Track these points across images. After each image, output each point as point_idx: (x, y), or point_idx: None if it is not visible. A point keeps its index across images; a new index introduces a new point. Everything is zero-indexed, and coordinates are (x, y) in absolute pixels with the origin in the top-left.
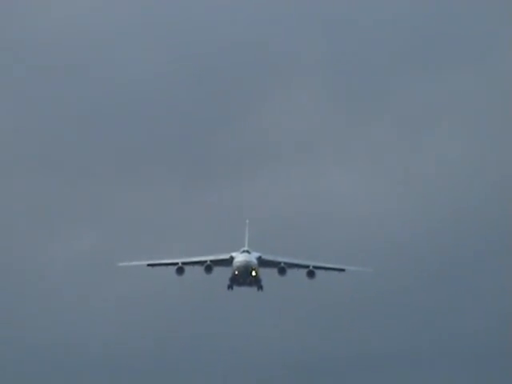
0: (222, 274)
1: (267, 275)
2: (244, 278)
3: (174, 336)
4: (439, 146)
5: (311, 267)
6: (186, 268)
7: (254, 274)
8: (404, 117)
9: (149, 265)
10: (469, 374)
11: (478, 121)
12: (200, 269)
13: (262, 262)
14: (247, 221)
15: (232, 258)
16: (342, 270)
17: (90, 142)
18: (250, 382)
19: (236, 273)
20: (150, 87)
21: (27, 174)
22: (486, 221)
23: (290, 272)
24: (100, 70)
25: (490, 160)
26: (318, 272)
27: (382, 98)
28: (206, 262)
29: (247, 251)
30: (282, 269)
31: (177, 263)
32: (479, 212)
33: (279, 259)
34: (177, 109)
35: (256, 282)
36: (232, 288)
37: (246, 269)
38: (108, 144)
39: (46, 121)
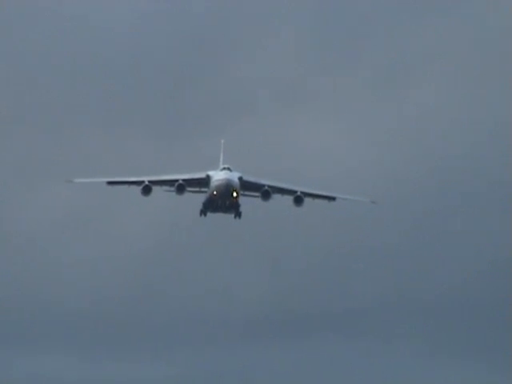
0: (194, 198)
1: (246, 201)
2: (223, 200)
3: (135, 266)
4: (424, 88)
5: (299, 193)
6: (154, 188)
7: (234, 195)
8: (383, 63)
9: (109, 182)
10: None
11: (464, 66)
12: (169, 190)
13: (243, 184)
14: (222, 141)
15: (209, 178)
16: (333, 198)
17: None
18: (223, 323)
19: (214, 193)
20: (126, 38)
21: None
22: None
23: (273, 198)
24: (74, 20)
25: (477, 99)
26: (306, 200)
27: (362, 45)
28: (177, 180)
29: (228, 168)
30: (265, 192)
31: (142, 181)
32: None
33: (263, 182)
34: (152, 59)
35: (234, 208)
36: (205, 214)
37: (226, 188)
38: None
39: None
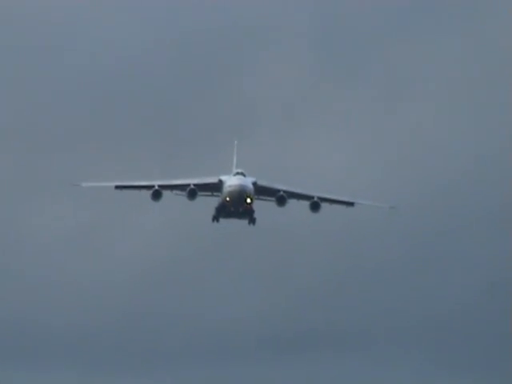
0: (206, 202)
1: (261, 206)
2: (236, 206)
3: (143, 274)
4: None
5: (316, 198)
6: (164, 193)
7: (248, 201)
8: (388, 81)
9: (117, 187)
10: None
11: (471, 77)
12: (180, 195)
13: (258, 190)
14: (236, 142)
15: (221, 182)
16: (351, 203)
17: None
18: (233, 337)
19: (227, 199)
20: (131, 54)
21: None
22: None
23: (289, 203)
24: (77, 41)
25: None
26: (322, 206)
27: (366, 63)
28: (189, 185)
29: (242, 173)
30: (281, 197)
31: (152, 186)
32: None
33: (278, 186)
34: (159, 78)
35: (248, 214)
36: (218, 220)
37: (240, 194)
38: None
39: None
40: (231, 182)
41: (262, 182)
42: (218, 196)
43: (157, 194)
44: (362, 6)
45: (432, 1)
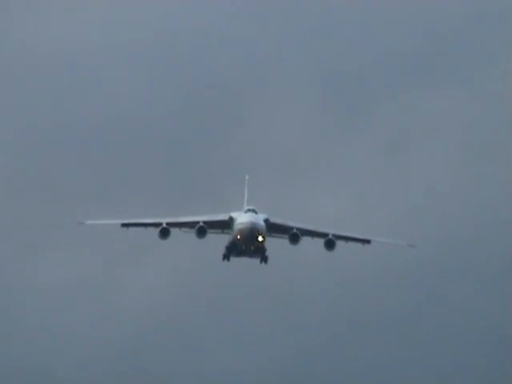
0: (216, 240)
1: (273, 244)
2: (247, 244)
3: (151, 316)
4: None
5: (331, 236)
6: (172, 230)
7: (260, 239)
8: (390, 130)
9: (123, 225)
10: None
11: (466, 140)
12: (189, 233)
13: (270, 227)
14: (247, 177)
15: (232, 219)
16: (367, 241)
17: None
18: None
19: (238, 237)
20: (132, 105)
21: None
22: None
23: (302, 241)
24: (82, 91)
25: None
26: (338, 243)
27: (370, 113)
28: (198, 222)
29: (253, 210)
30: (294, 235)
31: (160, 224)
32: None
33: (291, 224)
34: (169, 116)
35: (260, 252)
36: (228, 258)
37: (251, 232)
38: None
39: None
40: (242, 219)
41: (275, 219)
42: (228, 234)
43: (165, 232)
44: (368, 55)
45: (439, 53)
